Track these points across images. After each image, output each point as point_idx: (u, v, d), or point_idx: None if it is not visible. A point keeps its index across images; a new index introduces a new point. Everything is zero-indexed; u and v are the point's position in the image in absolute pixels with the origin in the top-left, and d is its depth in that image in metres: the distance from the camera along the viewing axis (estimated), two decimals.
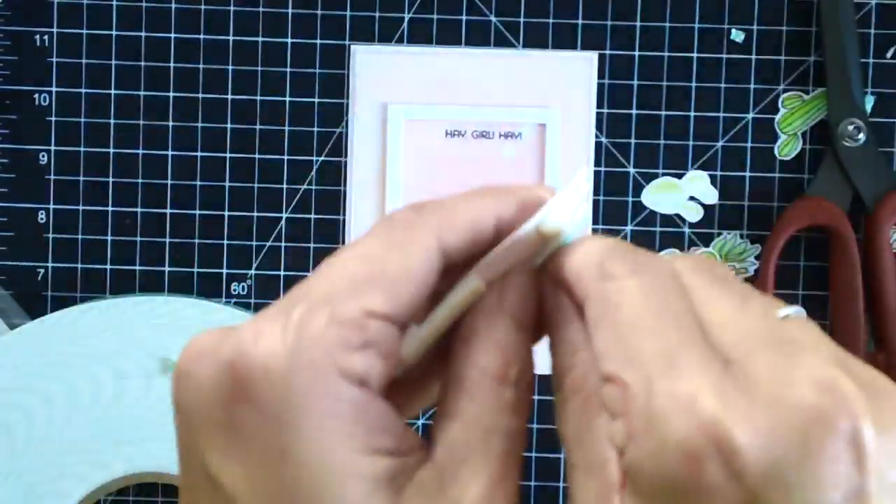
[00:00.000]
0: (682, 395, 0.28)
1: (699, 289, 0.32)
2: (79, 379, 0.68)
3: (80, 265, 0.69)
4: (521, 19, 0.69)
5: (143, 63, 0.69)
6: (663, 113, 0.69)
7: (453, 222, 0.34)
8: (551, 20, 0.69)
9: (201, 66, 0.69)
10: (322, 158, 0.69)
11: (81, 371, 0.68)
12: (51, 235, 0.69)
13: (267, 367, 0.30)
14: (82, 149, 0.69)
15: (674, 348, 0.30)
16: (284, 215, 0.69)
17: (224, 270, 0.69)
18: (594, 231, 0.69)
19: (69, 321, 0.68)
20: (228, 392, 0.31)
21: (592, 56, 0.69)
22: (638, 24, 0.69)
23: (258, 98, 0.69)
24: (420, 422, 0.69)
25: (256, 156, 0.69)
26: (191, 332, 0.65)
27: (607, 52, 0.69)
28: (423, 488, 0.31)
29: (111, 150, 0.69)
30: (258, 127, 0.69)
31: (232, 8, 0.69)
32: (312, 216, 0.69)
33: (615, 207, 0.69)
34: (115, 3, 0.69)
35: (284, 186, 0.69)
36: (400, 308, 0.32)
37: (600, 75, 0.69)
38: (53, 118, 0.69)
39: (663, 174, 0.69)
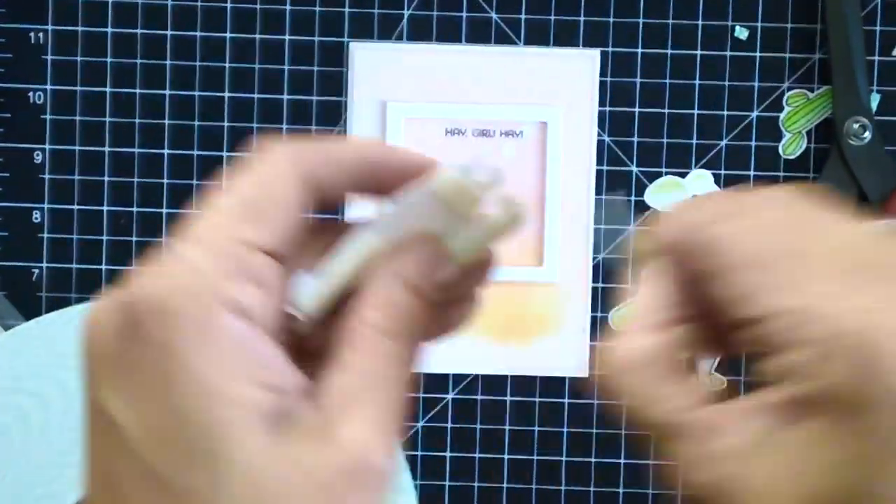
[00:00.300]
0: (864, 309, 0.28)
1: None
2: (74, 380, 0.67)
3: (74, 265, 0.69)
4: (523, 16, 0.68)
5: (139, 61, 0.69)
6: (666, 111, 0.68)
7: (326, 156, 0.35)
8: (553, 17, 0.68)
9: (198, 63, 0.69)
10: None
11: (77, 372, 0.67)
12: (45, 235, 0.69)
13: (152, 301, 0.31)
14: (77, 147, 0.69)
15: (823, 270, 0.29)
16: None
17: None
18: (595, 230, 0.68)
19: (64, 321, 0.68)
20: (120, 329, 0.32)
21: (595, 53, 0.68)
22: (640, 21, 0.68)
23: (255, 96, 0.69)
24: (420, 424, 0.69)
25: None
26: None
27: (609, 49, 0.68)
28: (308, 431, 0.32)
29: (106, 149, 0.69)
30: (255, 125, 0.69)
31: (229, 5, 0.68)
32: (311, 216, 0.69)
33: (618, 206, 0.69)
34: (110, 0, 0.68)
35: None
36: (273, 238, 0.33)
37: (602, 73, 0.68)
38: (48, 116, 0.69)
39: (666, 173, 0.69)
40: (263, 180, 0.34)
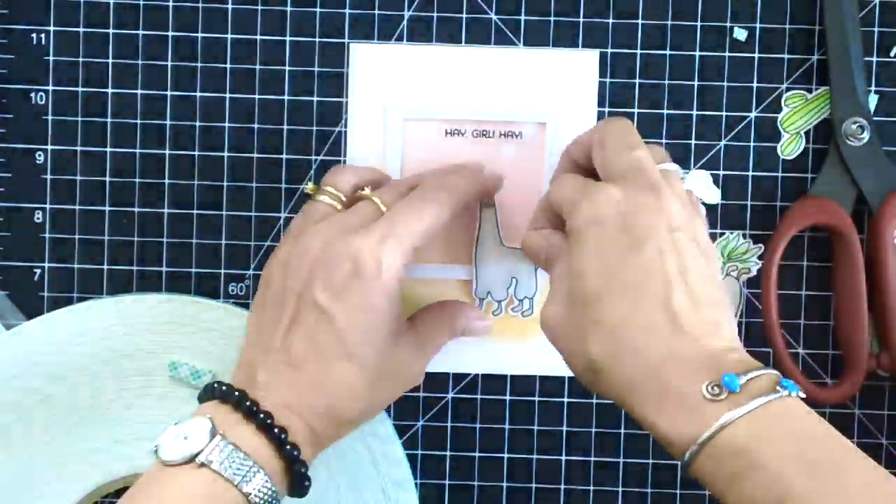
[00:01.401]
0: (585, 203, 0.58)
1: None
2: (78, 378, 0.67)
3: (76, 265, 0.69)
4: (522, 17, 0.68)
5: (140, 62, 0.69)
6: (665, 112, 0.68)
7: (460, 197, 0.63)
8: (552, 18, 0.68)
9: (199, 64, 0.69)
10: (321, 158, 0.69)
11: (81, 370, 0.67)
12: (47, 235, 0.69)
13: (369, 265, 0.59)
14: (79, 148, 0.69)
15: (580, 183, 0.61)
16: (283, 215, 0.69)
17: (222, 270, 0.69)
18: None
19: (68, 320, 0.67)
20: (352, 270, 0.59)
21: (594, 54, 0.68)
22: (640, 22, 0.68)
23: (256, 97, 0.69)
24: (420, 423, 0.69)
25: (255, 155, 0.69)
26: (190, 330, 0.65)
27: (609, 50, 0.68)
28: None
29: (108, 150, 0.69)
30: (256, 126, 0.69)
31: (230, 6, 0.68)
32: None
33: None
34: (112, 1, 0.68)
35: (283, 186, 0.69)
36: (426, 243, 0.61)
37: (602, 73, 0.68)
38: (50, 117, 0.69)
39: None
40: (434, 216, 0.61)
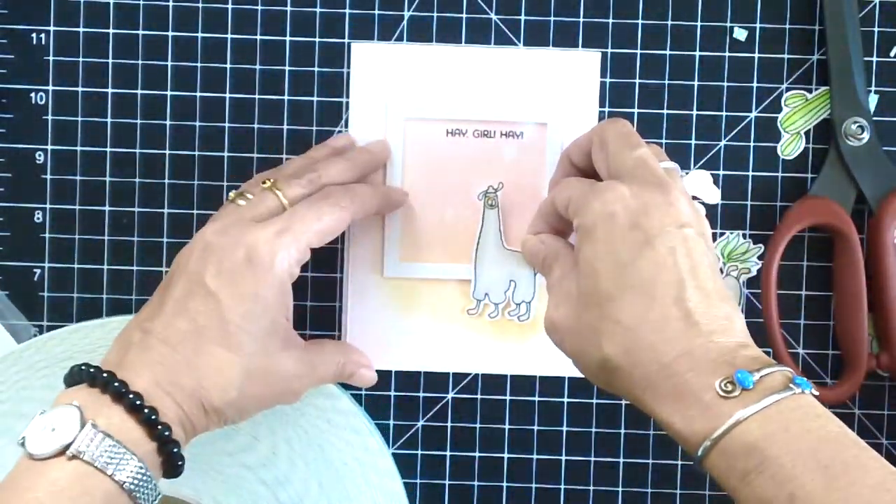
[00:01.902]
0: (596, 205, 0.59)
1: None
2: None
3: (76, 265, 0.69)
4: (522, 17, 0.68)
5: (140, 62, 0.69)
6: (665, 112, 0.68)
7: (363, 206, 0.64)
8: (552, 18, 0.68)
9: (199, 64, 0.69)
10: None
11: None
12: (47, 235, 0.69)
13: (263, 255, 0.59)
14: (79, 148, 0.69)
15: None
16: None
17: None
18: None
19: (57, 343, 0.67)
20: (245, 257, 0.59)
21: (595, 54, 0.68)
22: (640, 22, 0.68)
23: (257, 97, 0.69)
24: (420, 423, 0.69)
25: (255, 155, 0.69)
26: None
27: (609, 50, 0.68)
28: None
29: (108, 150, 0.69)
30: (256, 126, 0.69)
31: (230, 6, 0.68)
32: None
33: None
34: (112, 1, 0.68)
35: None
36: (321, 243, 0.62)
37: (602, 73, 0.68)
38: (50, 117, 0.69)
39: None
40: (332, 220, 0.62)
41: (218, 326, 0.58)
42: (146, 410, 0.56)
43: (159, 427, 0.56)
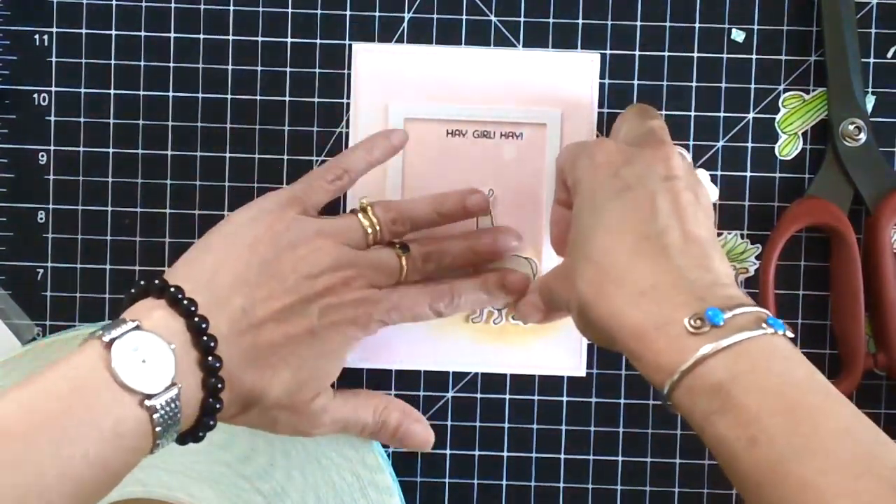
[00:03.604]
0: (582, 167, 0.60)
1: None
2: None
3: (79, 265, 0.69)
4: (522, 19, 0.69)
5: (142, 63, 0.69)
6: (663, 112, 0.69)
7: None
8: (551, 20, 0.68)
9: (201, 65, 0.69)
10: (322, 158, 0.69)
11: None
12: (50, 235, 0.69)
13: (367, 323, 0.62)
14: (82, 149, 0.69)
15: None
16: None
17: None
18: None
19: (57, 348, 0.67)
20: (352, 316, 0.62)
21: (594, 56, 0.69)
22: (638, 23, 0.69)
23: (258, 98, 0.69)
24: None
25: (256, 155, 0.69)
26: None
27: (608, 51, 0.69)
28: None
29: (111, 150, 0.69)
30: (258, 127, 0.69)
31: (231, 7, 0.69)
32: None
33: None
34: (114, 2, 0.69)
35: (284, 186, 0.69)
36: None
37: (601, 75, 0.69)
38: (53, 118, 0.69)
39: None
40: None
41: (298, 354, 0.60)
42: (210, 359, 0.56)
43: (215, 402, 0.56)
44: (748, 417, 0.49)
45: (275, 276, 0.59)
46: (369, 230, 0.64)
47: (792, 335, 0.52)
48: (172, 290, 0.56)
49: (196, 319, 0.56)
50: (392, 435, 0.67)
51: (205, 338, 0.56)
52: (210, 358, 0.56)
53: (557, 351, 0.69)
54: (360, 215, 0.64)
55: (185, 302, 0.56)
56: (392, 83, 0.69)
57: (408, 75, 0.68)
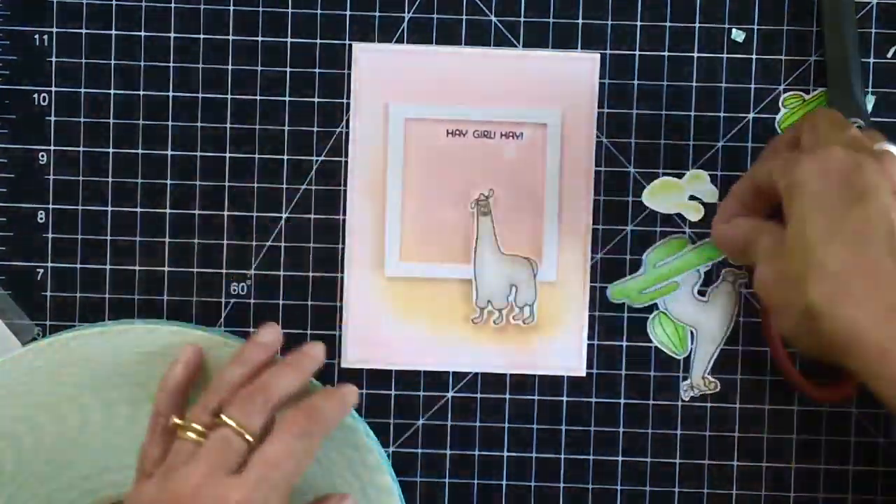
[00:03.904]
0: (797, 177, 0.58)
1: None
2: (67, 407, 0.67)
3: (79, 265, 0.69)
4: (522, 19, 0.69)
5: (142, 63, 0.69)
6: (664, 113, 0.69)
7: (329, 427, 0.62)
8: (551, 20, 0.68)
9: (201, 65, 0.69)
10: (322, 158, 0.69)
11: (69, 399, 0.67)
12: (50, 235, 0.69)
13: None
14: (82, 149, 0.69)
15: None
16: (284, 215, 0.69)
17: (224, 270, 0.69)
18: (594, 230, 0.69)
19: (56, 349, 0.67)
20: None
21: (594, 56, 0.69)
22: (638, 23, 0.69)
23: (258, 98, 0.69)
24: (420, 421, 0.69)
25: (256, 156, 0.69)
26: (175, 359, 0.63)
27: (608, 51, 0.69)
28: None
29: (110, 150, 0.69)
30: (258, 127, 0.69)
31: (231, 8, 0.69)
32: (312, 216, 0.69)
33: (615, 207, 0.69)
34: (114, 2, 0.69)
35: (284, 186, 0.69)
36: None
37: (601, 75, 0.69)
38: (53, 118, 0.69)
39: (664, 174, 0.69)
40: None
41: None
42: None
43: None
44: None
45: None
46: (196, 436, 0.60)
47: None
48: None
49: None
50: None
51: None
52: None
53: (558, 351, 0.69)
54: (179, 435, 0.60)
55: None
56: (392, 83, 0.69)
57: (408, 75, 0.69)
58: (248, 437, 0.59)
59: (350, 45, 0.69)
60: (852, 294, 0.53)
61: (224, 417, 0.59)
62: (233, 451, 0.59)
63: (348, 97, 0.69)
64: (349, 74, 0.69)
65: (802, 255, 0.55)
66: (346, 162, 0.69)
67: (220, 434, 0.59)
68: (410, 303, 0.69)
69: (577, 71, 0.68)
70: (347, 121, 0.69)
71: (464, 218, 0.69)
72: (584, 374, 0.69)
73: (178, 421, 0.60)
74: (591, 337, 0.69)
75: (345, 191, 0.69)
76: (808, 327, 0.55)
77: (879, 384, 0.52)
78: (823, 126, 0.60)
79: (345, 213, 0.69)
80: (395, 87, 0.68)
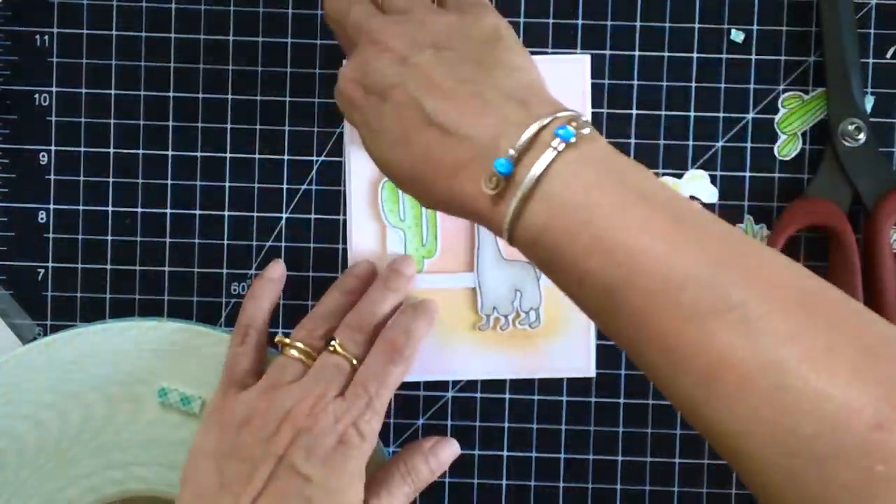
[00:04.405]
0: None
1: None
2: (70, 405, 0.67)
3: (80, 265, 0.69)
4: (521, 20, 0.69)
5: (143, 63, 0.69)
6: (663, 113, 0.69)
7: (419, 344, 0.65)
8: (551, 20, 0.69)
9: (201, 66, 0.69)
10: (322, 158, 0.69)
11: (72, 397, 0.67)
12: (51, 235, 0.69)
13: (353, 438, 0.61)
14: (82, 149, 0.69)
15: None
16: (284, 215, 0.69)
17: (224, 270, 0.69)
18: None
19: (59, 347, 0.67)
20: (335, 441, 0.61)
21: (585, 57, 0.68)
22: (638, 24, 0.69)
23: (258, 98, 0.69)
24: (420, 421, 0.69)
25: (256, 156, 0.69)
26: (178, 356, 0.64)
27: (607, 52, 0.69)
28: None
29: (111, 150, 0.69)
30: (258, 127, 0.69)
31: (232, 8, 0.69)
32: (312, 216, 0.69)
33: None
34: (115, 3, 0.69)
35: (284, 186, 0.69)
36: None
37: (600, 75, 0.69)
38: (53, 118, 0.69)
39: (663, 174, 0.69)
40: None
41: None
42: None
43: None
44: (567, 263, 0.47)
45: (244, 459, 0.59)
46: (302, 357, 0.63)
47: (573, 138, 0.49)
48: None
49: None
50: (433, 475, 0.67)
51: None
52: None
53: (565, 353, 0.69)
54: (284, 352, 0.64)
55: None
56: None
57: None
58: (354, 362, 0.63)
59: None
60: (426, 182, 0.52)
61: (336, 345, 0.63)
62: (342, 375, 0.62)
63: None
64: None
65: (381, 168, 0.55)
66: (346, 162, 0.69)
67: (332, 360, 0.62)
68: None
69: (568, 72, 0.68)
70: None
71: (467, 223, 0.69)
72: (593, 375, 0.69)
73: (285, 339, 0.63)
74: (596, 338, 0.69)
75: (345, 191, 0.69)
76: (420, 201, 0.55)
77: (492, 230, 0.51)
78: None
79: (345, 214, 0.69)
80: None
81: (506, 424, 0.70)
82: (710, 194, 0.69)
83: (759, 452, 0.43)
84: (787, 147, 0.69)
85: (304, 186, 0.69)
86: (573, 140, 0.49)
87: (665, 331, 0.45)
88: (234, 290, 0.69)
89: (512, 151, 0.48)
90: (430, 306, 0.67)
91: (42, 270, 0.69)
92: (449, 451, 0.68)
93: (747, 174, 0.69)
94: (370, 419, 0.61)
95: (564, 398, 0.70)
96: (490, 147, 0.49)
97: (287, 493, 0.58)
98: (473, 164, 0.50)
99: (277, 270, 0.67)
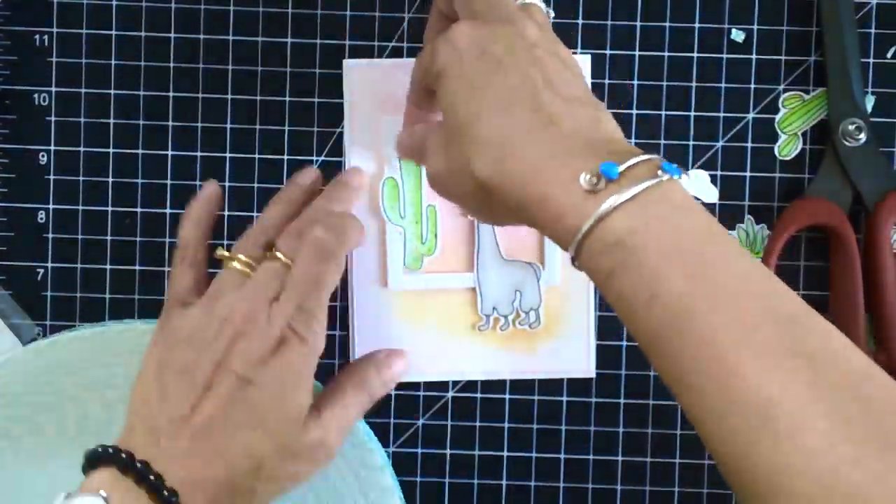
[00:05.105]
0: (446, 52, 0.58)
1: None
2: (66, 408, 0.67)
3: (79, 265, 0.69)
4: None
5: (142, 63, 0.69)
6: (663, 113, 0.69)
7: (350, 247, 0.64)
8: (551, 20, 0.69)
9: (201, 65, 0.69)
10: (322, 158, 0.69)
11: (69, 400, 0.67)
12: (50, 235, 0.69)
13: (291, 336, 0.60)
14: (82, 149, 0.69)
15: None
16: None
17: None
18: None
19: (55, 350, 0.67)
20: (274, 341, 0.59)
21: (585, 57, 0.69)
22: (638, 23, 0.69)
23: (258, 98, 0.69)
24: (420, 421, 0.69)
25: (256, 156, 0.69)
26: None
27: (607, 51, 0.69)
28: None
29: (111, 150, 0.69)
30: (258, 127, 0.69)
31: (232, 8, 0.69)
32: None
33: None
34: (114, 3, 0.69)
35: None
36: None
37: (600, 75, 0.69)
38: (53, 118, 0.69)
39: None
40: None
41: (249, 411, 0.58)
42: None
43: None
44: (646, 273, 0.48)
45: (184, 371, 0.59)
46: (243, 268, 0.62)
47: (688, 176, 0.51)
48: (139, 465, 0.56)
49: (165, 493, 0.55)
50: (385, 387, 0.67)
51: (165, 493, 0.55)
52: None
53: (566, 353, 0.69)
54: (225, 265, 0.62)
55: (152, 478, 0.55)
56: (391, 83, 0.68)
57: (407, 76, 0.68)
58: (287, 261, 0.61)
59: (349, 46, 0.69)
60: (510, 156, 0.52)
61: (276, 252, 0.61)
62: (279, 280, 0.61)
63: (347, 97, 0.69)
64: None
65: (460, 136, 0.54)
66: (346, 162, 0.69)
67: (271, 266, 0.61)
68: (417, 313, 0.69)
69: None
70: (348, 121, 0.69)
71: (465, 224, 0.69)
72: (593, 375, 0.69)
73: (225, 253, 0.62)
74: (596, 338, 0.69)
75: None
76: (488, 202, 0.54)
77: (548, 232, 0.51)
78: (459, 4, 0.59)
79: None
80: (395, 88, 0.68)
81: (506, 424, 0.70)
82: (711, 194, 0.69)
83: None
84: (787, 147, 0.69)
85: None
86: (678, 178, 0.50)
87: (730, 369, 0.46)
88: None
89: (622, 166, 0.50)
90: (355, 224, 0.65)
91: (41, 270, 0.69)
92: (401, 362, 0.68)
93: (748, 174, 0.69)
94: (306, 320, 0.60)
95: (564, 398, 0.70)
96: (598, 149, 0.51)
97: (230, 399, 0.57)
98: (574, 159, 0.51)
99: (210, 189, 0.65)
